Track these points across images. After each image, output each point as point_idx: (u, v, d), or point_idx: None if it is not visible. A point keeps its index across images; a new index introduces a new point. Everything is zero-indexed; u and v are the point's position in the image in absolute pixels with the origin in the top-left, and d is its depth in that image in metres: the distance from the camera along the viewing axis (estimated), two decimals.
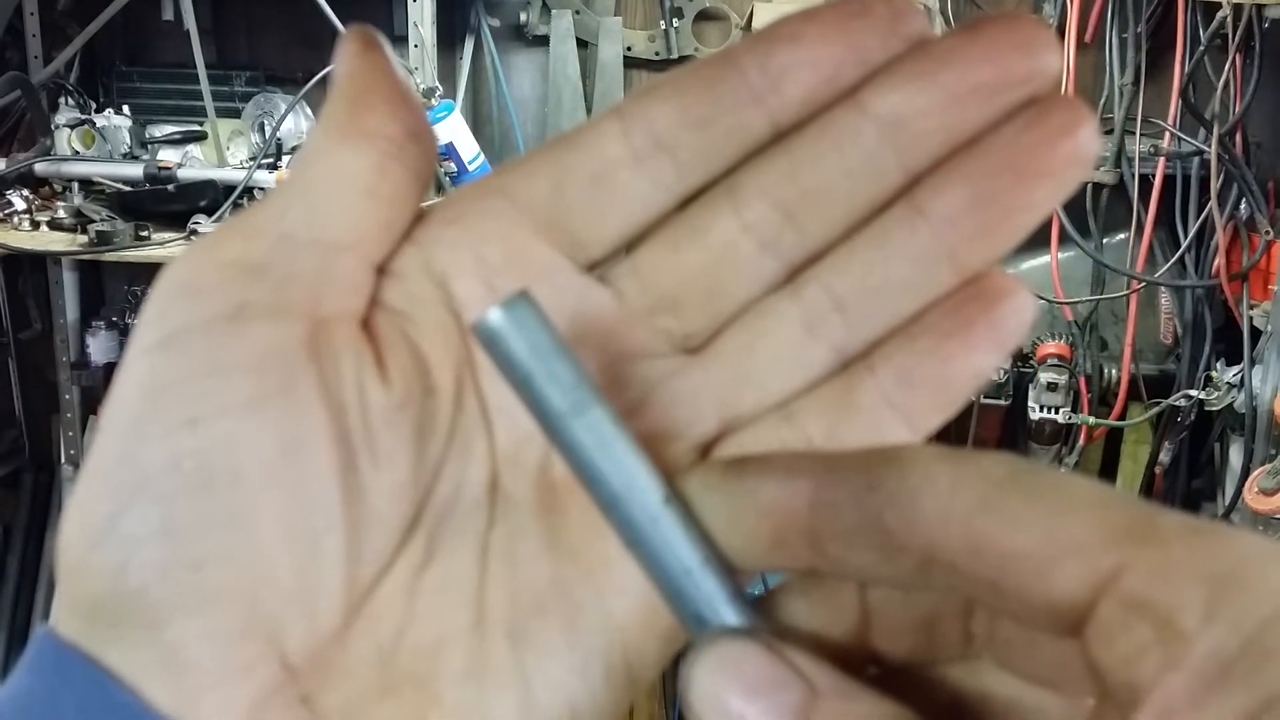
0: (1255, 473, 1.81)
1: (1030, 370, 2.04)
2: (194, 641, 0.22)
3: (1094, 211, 2.03)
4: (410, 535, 0.25)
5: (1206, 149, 1.95)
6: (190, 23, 1.96)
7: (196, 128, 2.09)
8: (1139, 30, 2.00)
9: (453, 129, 1.96)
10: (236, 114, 2.11)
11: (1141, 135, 2.01)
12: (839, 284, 0.26)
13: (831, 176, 0.25)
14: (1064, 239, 2.03)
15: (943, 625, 0.23)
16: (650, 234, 0.27)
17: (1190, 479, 2.13)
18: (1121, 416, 2.07)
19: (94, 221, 1.93)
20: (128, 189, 1.98)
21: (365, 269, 0.25)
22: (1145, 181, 2.02)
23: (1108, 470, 2.14)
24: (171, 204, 1.95)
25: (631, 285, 0.27)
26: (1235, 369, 1.96)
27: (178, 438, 0.23)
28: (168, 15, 2.06)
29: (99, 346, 2.16)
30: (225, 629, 0.23)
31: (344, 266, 0.25)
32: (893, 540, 0.20)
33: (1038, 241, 2.00)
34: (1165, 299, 2.09)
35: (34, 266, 2.18)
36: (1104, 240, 2.05)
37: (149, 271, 2.10)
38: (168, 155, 2.04)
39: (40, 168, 1.99)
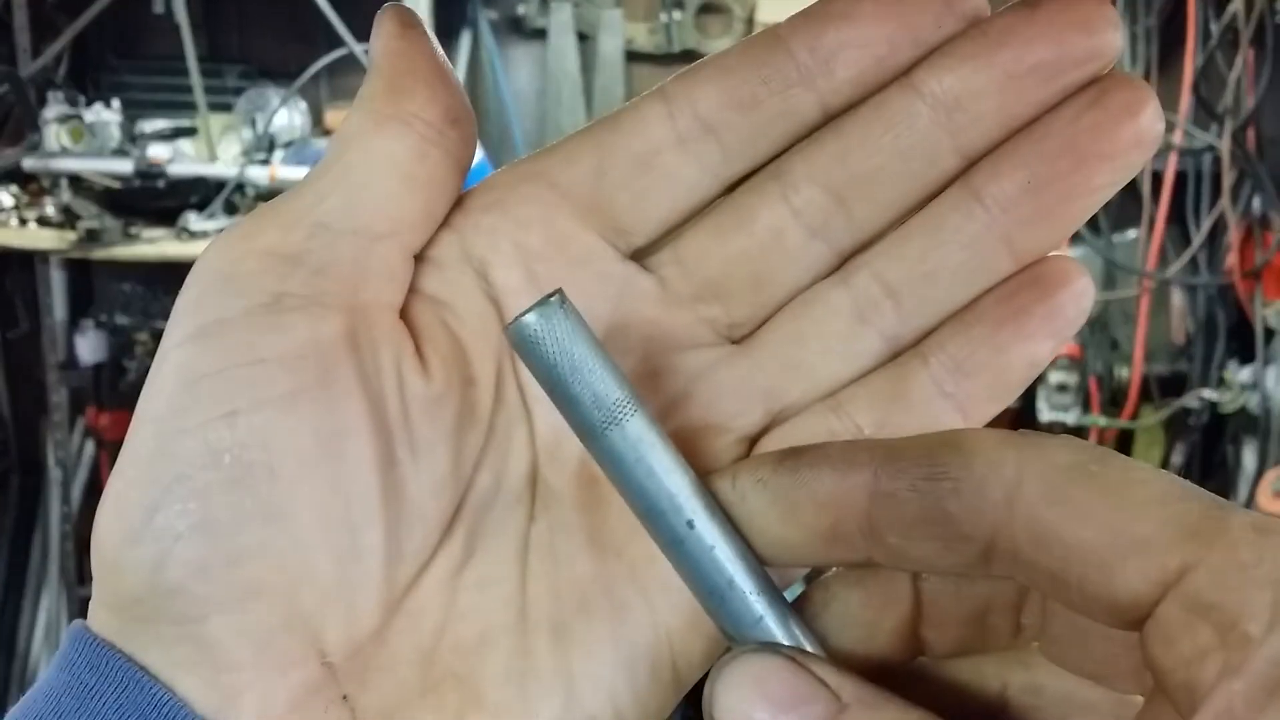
0: (1268, 474, 1.80)
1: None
2: (232, 639, 0.22)
3: (1104, 208, 2.00)
4: (450, 530, 0.25)
5: (1219, 145, 1.93)
6: (181, 16, 1.93)
7: (187, 122, 2.06)
8: (1150, 23, 1.98)
9: None
10: (228, 108, 2.08)
11: None
12: (891, 271, 0.25)
13: (883, 160, 0.25)
14: (1074, 236, 2.00)
15: (993, 617, 0.23)
16: (695, 220, 0.26)
17: (1203, 481, 2.10)
18: (1133, 418, 2.04)
19: (83, 218, 1.90)
20: (117, 185, 1.95)
21: (403, 257, 0.25)
22: (1156, 178, 1.99)
23: None
24: (162, 200, 1.93)
25: (675, 273, 0.26)
26: (1249, 369, 1.93)
27: (215, 430, 0.22)
28: (158, 8, 2.03)
29: (87, 346, 2.12)
30: (264, 626, 0.22)
31: (382, 255, 0.24)
32: (955, 530, 0.20)
33: None
34: (1177, 298, 2.07)
35: (21, 264, 2.15)
36: (1114, 238, 2.03)
37: (138, 269, 2.10)
38: (158, 150, 2.00)
39: (28, 163, 1.96)
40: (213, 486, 0.22)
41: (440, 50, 0.25)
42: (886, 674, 0.23)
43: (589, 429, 0.22)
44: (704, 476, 0.23)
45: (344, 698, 0.23)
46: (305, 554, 0.23)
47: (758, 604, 0.22)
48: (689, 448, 0.25)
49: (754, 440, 0.26)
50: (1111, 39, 0.24)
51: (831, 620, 0.23)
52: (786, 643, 0.22)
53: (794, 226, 0.25)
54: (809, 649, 0.22)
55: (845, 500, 0.21)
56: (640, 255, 0.26)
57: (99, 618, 0.23)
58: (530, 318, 0.22)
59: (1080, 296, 0.25)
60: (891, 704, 0.21)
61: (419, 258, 0.25)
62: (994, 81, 0.24)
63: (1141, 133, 0.24)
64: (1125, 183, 0.25)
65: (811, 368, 0.26)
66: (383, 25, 0.25)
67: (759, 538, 0.22)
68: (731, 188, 0.26)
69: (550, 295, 0.22)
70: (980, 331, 0.25)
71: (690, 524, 0.22)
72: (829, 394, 0.26)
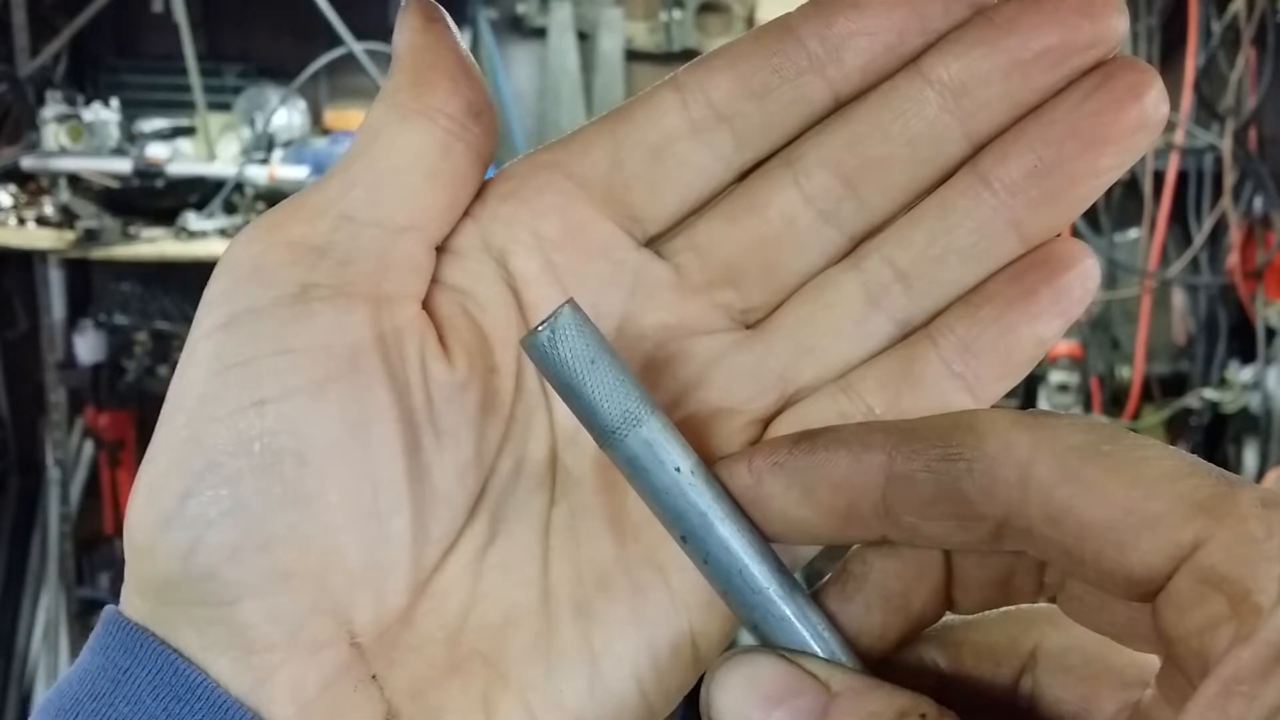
0: (1270, 474, 1.81)
1: (1041, 371, 2.01)
2: (263, 621, 0.23)
3: (1105, 208, 2.01)
4: (474, 514, 0.25)
5: (1220, 144, 1.93)
6: (180, 15, 1.92)
7: (186, 122, 2.05)
8: (1151, 22, 1.98)
9: None
10: (227, 107, 2.07)
11: None
12: (901, 254, 0.26)
13: (893, 145, 0.25)
14: (1075, 236, 1.99)
15: (1018, 578, 0.23)
16: (709, 207, 0.27)
17: None
18: (1134, 417, 2.04)
19: (81, 218, 1.90)
20: (116, 184, 1.94)
21: (426, 249, 0.25)
22: (1158, 177, 1.99)
23: None
24: (160, 199, 1.92)
25: (690, 260, 0.27)
26: (1250, 369, 1.93)
27: (245, 418, 0.23)
28: (157, 7, 2.02)
29: (86, 346, 2.11)
30: (294, 609, 0.23)
31: (405, 247, 0.25)
32: (969, 509, 0.21)
33: None
34: (1179, 298, 2.06)
35: (20, 264, 2.14)
36: (1115, 237, 2.03)
37: (137, 269, 2.09)
38: (156, 150, 2.00)
39: (27, 163, 1.95)
40: (243, 473, 0.23)
41: (463, 43, 0.25)
42: (919, 640, 0.24)
43: (598, 436, 0.23)
44: (720, 460, 0.24)
45: (373, 677, 0.24)
46: (334, 538, 0.23)
47: (771, 589, 0.23)
48: (704, 431, 0.26)
49: (767, 422, 0.27)
50: (1116, 24, 0.24)
51: (870, 589, 0.23)
52: (800, 630, 0.23)
53: (806, 212, 0.26)
54: (824, 634, 0.23)
55: (860, 481, 0.22)
56: (655, 243, 0.27)
57: (132, 603, 0.24)
58: (541, 332, 0.23)
59: (1086, 277, 0.25)
60: (880, 690, 0.21)
61: (440, 248, 0.26)
62: (1000, 67, 0.24)
63: (1146, 115, 0.24)
64: (1130, 165, 0.25)
65: (823, 351, 0.26)
66: (406, 18, 0.25)
67: (775, 519, 0.23)
68: (744, 175, 0.26)
69: (561, 306, 0.23)
70: (989, 312, 0.25)
71: (684, 539, 0.23)
72: (840, 376, 0.26)
